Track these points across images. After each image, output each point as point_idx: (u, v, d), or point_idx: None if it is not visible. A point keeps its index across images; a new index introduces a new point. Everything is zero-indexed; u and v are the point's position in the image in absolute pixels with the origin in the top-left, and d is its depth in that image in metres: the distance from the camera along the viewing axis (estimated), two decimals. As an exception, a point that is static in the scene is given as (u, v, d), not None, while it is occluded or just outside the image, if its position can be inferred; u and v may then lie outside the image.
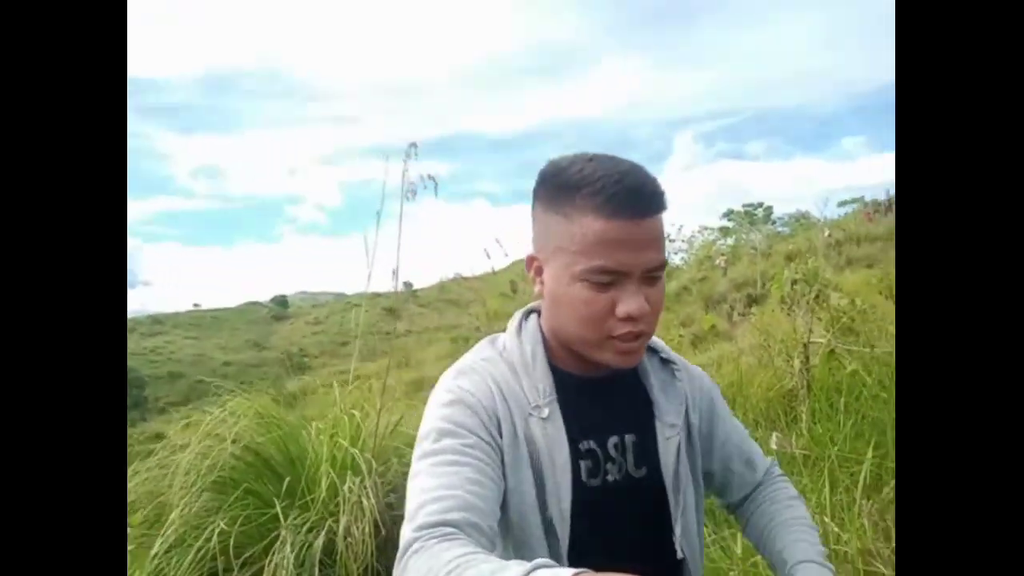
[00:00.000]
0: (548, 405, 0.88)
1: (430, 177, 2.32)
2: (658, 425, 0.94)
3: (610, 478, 0.90)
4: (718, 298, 12.52)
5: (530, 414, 0.87)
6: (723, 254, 16.25)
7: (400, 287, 3.07)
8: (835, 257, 12.25)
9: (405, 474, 2.66)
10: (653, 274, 0.84)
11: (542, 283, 0.90)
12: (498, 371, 0.90)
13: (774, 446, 2.85)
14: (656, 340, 1.00)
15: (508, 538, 0.86)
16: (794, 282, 3.70)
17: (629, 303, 0.82)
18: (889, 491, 2.17)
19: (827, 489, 2.09)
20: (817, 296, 3.62)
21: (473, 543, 0.69)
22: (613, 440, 0.91)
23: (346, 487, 2.41)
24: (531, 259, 0.91)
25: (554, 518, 0.85)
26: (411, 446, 2.67)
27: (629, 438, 0.92)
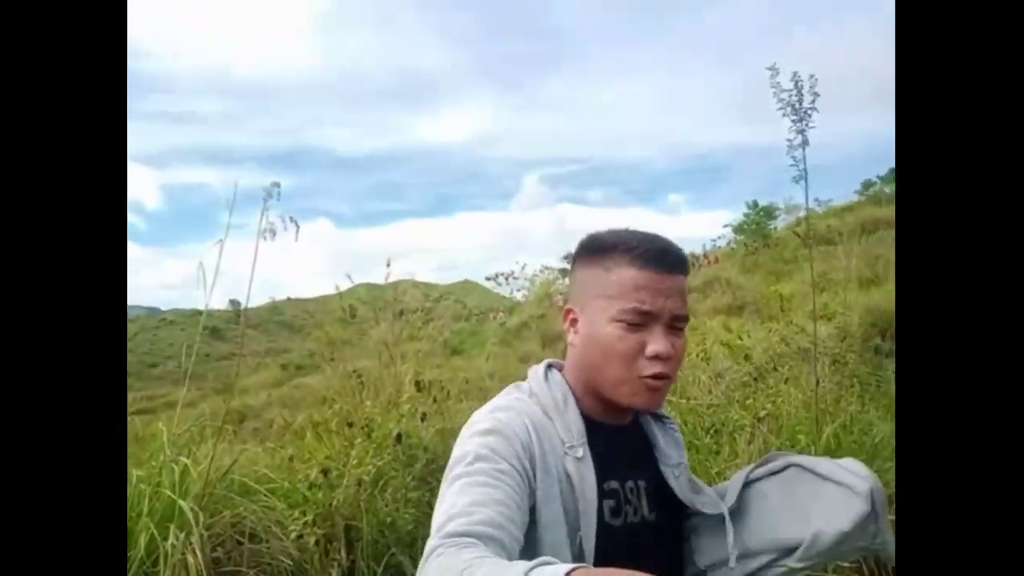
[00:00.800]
0: (582, 446, 0.95)
1: (292, 219, 2.27)
2: (664, 469, 1.03)
3: (629, 519, 0.97)
4: (555, 336, 13.15)
5: (565, 453, 0.93)
6: (561, 293, 17.09)
7: (226, 304, 2.89)
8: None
9: (235, 526, 2.52)
10: (678, 324, 0.96)
11: (576, 332, 1.00)
12: (531, 411, 0.96)
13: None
14: None
15: None
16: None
17: (657, 343, 0.93)
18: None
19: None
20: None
21: (490, 552, 0.72)
22: (630, 483, 0.99)
23: (168, 543, 2.22)
24: (568, 311, 1.02)
25: (585, 554, 0.89)
26: (245, 494, 2.52)
27: (641, 483, 1.00)
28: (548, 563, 0.62)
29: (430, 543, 0.76)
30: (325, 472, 2.37)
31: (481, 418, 0.94)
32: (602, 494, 0.94)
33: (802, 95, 2.21)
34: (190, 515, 2.29)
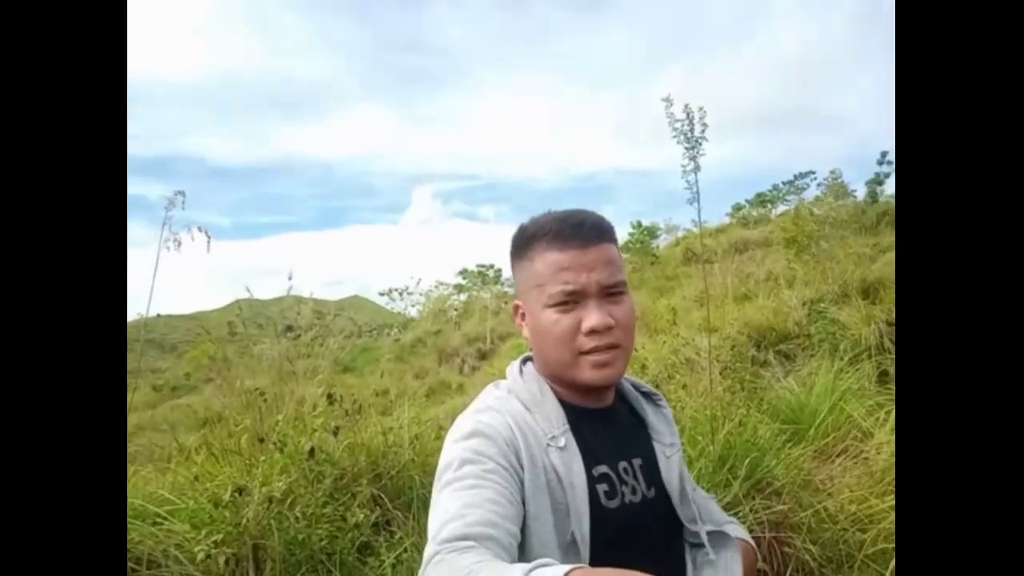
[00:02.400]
0: (563, 435, 0.95)
1: (200, 229, 2.19)
2: (657, 447, 1.04)
3: (627, 499, 0.96)
4: (451, 351, 13.17)
5: (548, 444, 0.93)
6: (456, 309, 17.15)
7: None
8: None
9: (128, 551, 2.36)
10: (612, 291, 0.97)
11: (525, 326, 1.03)
12: (511, 407, 0.97)
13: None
14: (632, 378, 1.13)
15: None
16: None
17: (590, 317, 0.94)
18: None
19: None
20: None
21: (489, 554, 0.73)
22: (623, 464, 0.99)
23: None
24: (516, 307, 1.05)
25: (577, 541, 0.89)
26: (137, 517, 2.38)
27: (636, 461, 1.00)
28: (546, 565, 0.62)
29: (428, 550, 0.75)
30: (240, 490, 2.28)
31: (463, 423, 0.94)
32: (593, 480, 0.94)
33: (693, 124, 2.46)
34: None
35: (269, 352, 4.58)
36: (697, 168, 2.51)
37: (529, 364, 1.06)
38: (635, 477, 0.99)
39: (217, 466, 2.95)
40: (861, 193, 15.16)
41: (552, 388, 1.01)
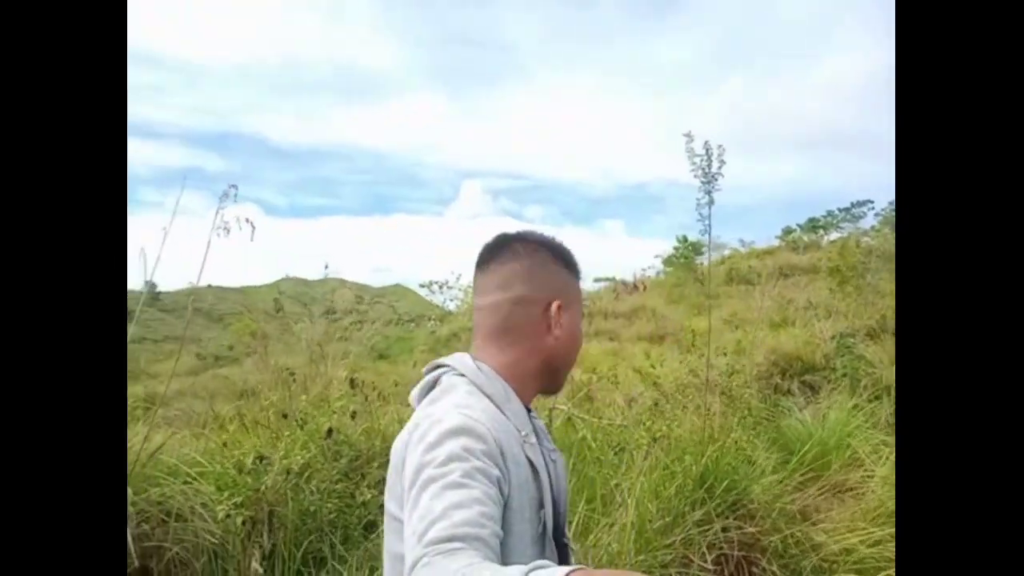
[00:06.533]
0: (530, 432, 1.01)
1: (248, 220, 2.42)
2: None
3: (556, 489, 1.02)
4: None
5: (524, 441, 0.98)
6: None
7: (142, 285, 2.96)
8: (585, 326, 13.93)
9: (160, 504, 2.62)
10: None
11: (559, 324, 1.07)
12: (485, 404, 0.98)
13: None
14: None
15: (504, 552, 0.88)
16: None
17: None
18: (595, 538, 2.73)
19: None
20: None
21: (479, 555, 0.72)
22: (553, 456, 1.06)
23: (96, 515, 2.31)
24: (560, 305, 1.07)
25: (547, 530, 0.96)
26: (171, 475, 2.64)
27: (555, 456, 1.08)
28: (542, 566, 0.62)
29: (413, 552, 0.74)
30: (260, 458, 2.51)
31: (446, 415, 0.91)
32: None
33: (711, 160, 2.58)
34: (119, 491, 2.39)
35: (309, 332, 4.83)
36: (711, 202, 2.62)
37: (483, 363, 1.05)
38: (557, 469, 1.07)
39: (246, 436, 3.20)
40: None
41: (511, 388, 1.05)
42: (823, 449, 3.43)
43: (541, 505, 0.95)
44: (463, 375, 1.03)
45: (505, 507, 0.87)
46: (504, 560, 0.85)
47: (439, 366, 1.08)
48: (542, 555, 0.94)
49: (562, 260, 1.12)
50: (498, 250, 1.11)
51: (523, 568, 0.62)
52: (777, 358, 6.54)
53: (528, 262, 1.09)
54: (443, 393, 1.01)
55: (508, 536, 0.87)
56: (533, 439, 0.99)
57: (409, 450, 0.91)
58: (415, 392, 1.09)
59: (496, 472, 0.86)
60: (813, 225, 20.39)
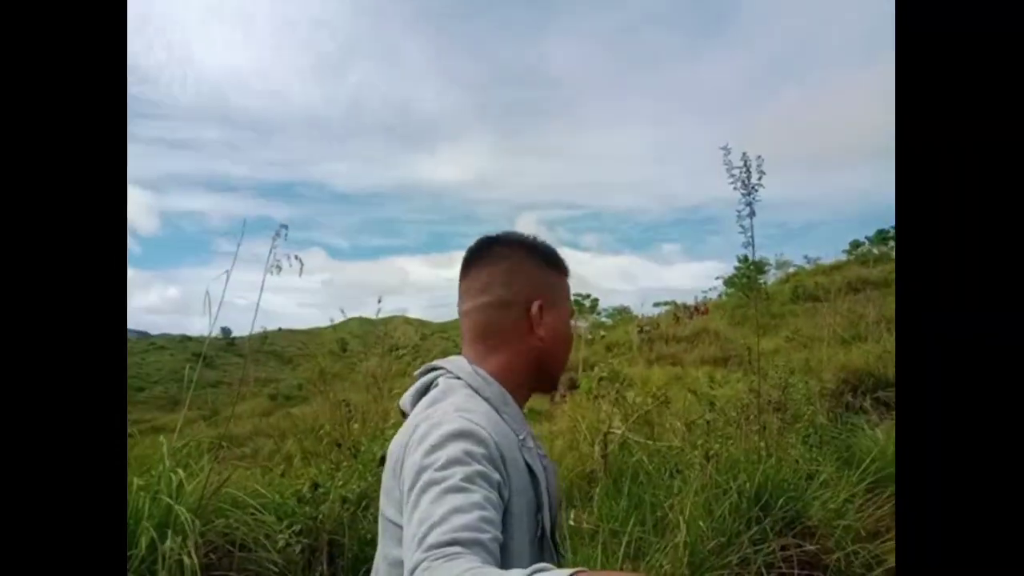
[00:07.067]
0: (528, 436, 1.00)
1: (296, 257, 2.56)
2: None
3: (551, 491, 1.01)
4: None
5: (522, 444, 0.97)
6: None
7: (216, 332, 3.16)
8: (647, 352, 13.70)
9: (226, 534, 2.74)
10: None
11: (542, 324, 1.05)
12: (484, 408, 0.97)
13: (571, 522, 3.31)
14: None
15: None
16: (600, 378, 4.31)
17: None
18: (649, 561, 2.67)
19: (600, 557, 2.53)
20: (617, 391, 4.24)
21: (479, 560, 0.71)
22: (545, 461, 1.04)
23: (166, 545, 2.43)
24: (540, 305, 1.06)
25: (546, 533, 0.95)
26: (236, 507, 2.76)
27: (548, 462, 1.06)
28: (543, 570, 0.61)
29: (413, 557, 0.73)
30: (315, 486, 2.59)
31: (447, 418, 0.90)
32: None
33: (750, 172, 2.55)
34: (187, 521, 2.51)
35: (372, 369, 4.98)
36: (752, 214, 2.58)
37: (479, 367, 1.04)
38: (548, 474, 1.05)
39: (307, 467, 3.31)
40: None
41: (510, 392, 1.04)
42: (888, 464, 3.25)
43: (539, 508, 0.95)
44: (459, 378, 1.02)
45: (505, 512, 0.86)
46: (504, 564, 0.82)
47: (433, 368, 1.07)
48: (541, 558, 0.93)
49: (544, 259, 1.10)
50: (479, 254, 1.10)
51: (524, 572, 0.61)
52: (847, 375, 6.28)
53: (507, 264, 1.07)
54: (442, 395, 1.00)
55: (507, 540, 0.86)
56: (531, 443, 0.99)
57: (408, 452, 0.89)
58: (407, 396, 1.08)
59: (497, 477, 0.84)
60: (882, 237, 19.58)
